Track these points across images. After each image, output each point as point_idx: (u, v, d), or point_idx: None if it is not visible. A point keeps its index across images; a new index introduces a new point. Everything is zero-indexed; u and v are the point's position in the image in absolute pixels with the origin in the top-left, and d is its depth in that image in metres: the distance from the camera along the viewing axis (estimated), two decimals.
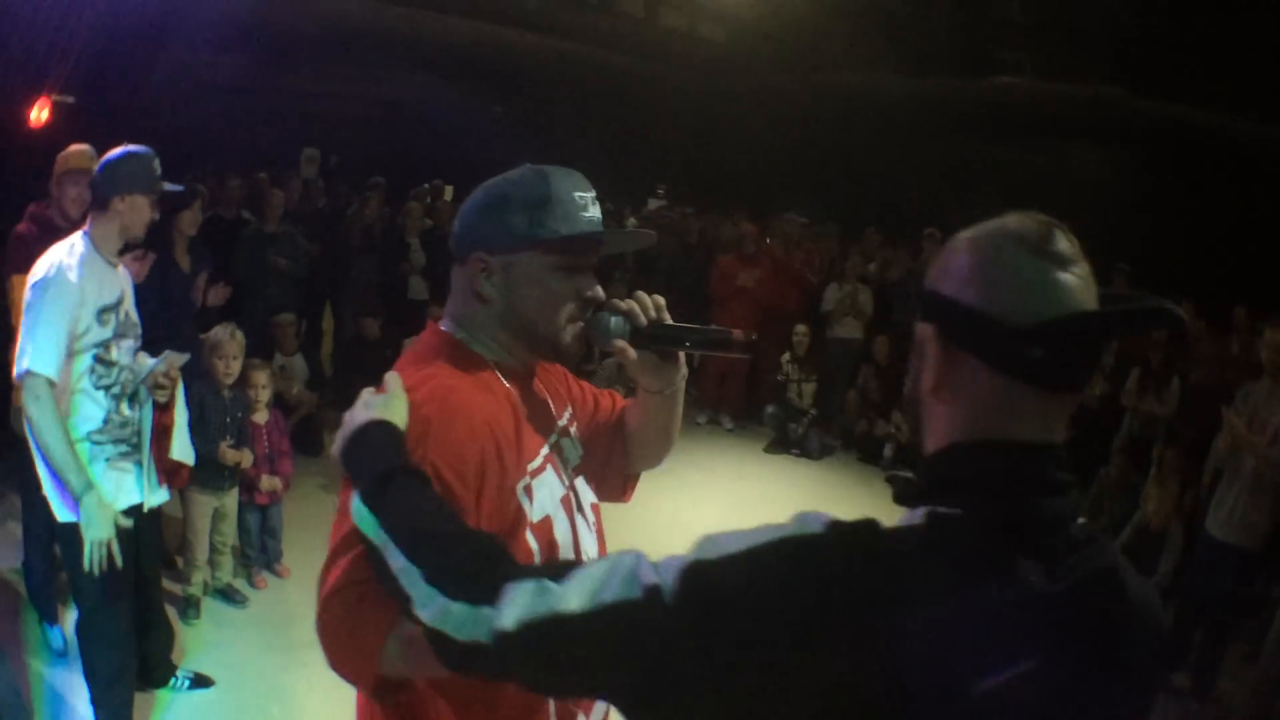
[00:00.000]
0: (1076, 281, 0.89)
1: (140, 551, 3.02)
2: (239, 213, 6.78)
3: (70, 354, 2.67)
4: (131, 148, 2.79)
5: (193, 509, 4.02)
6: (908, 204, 10.05)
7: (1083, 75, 11.65)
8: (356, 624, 1.18)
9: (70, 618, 3.63)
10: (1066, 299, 0.88)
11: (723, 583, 0.84)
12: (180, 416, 3.18)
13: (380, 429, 1.17)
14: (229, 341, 4.05)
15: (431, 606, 0.97)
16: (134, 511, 2.89)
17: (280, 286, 6.35)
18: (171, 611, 3.71)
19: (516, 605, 0.92)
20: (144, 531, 3.04)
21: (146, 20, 7.35)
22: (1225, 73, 10.30)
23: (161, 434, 3.08)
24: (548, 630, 0.90)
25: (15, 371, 2.61)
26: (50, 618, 3.66)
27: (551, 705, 1.37)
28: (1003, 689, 0.82)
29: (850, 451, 7.53)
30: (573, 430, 1.56)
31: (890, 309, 7.78)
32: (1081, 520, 0.93)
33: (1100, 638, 0.90)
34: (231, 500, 4.15)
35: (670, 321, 1.43)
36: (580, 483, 1.52)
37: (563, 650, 0.90)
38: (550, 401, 1.53)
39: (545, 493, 1.39)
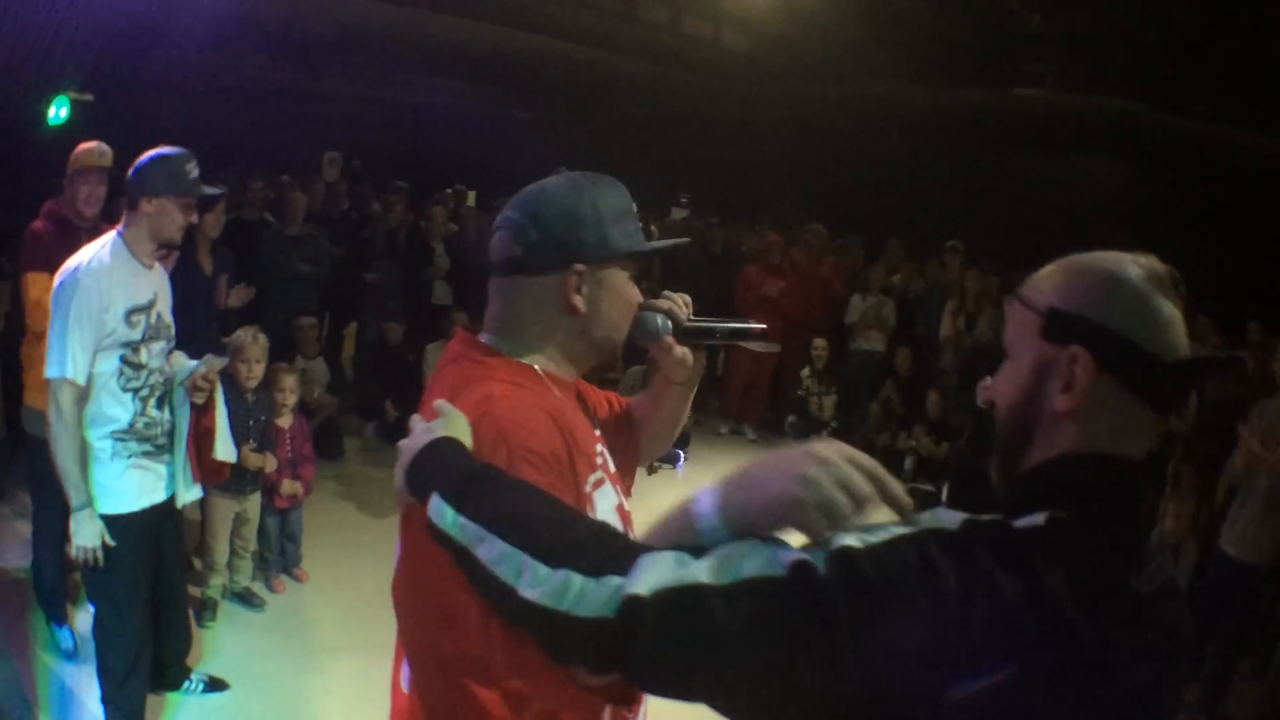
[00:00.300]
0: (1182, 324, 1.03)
1: (163, 550, 3.01)
2: (261, 215, 6.79)
3: (96, 353, 2.66)
4: (164, 150, 2.74)
5: (213, 512, 3.99)
6: (929, 215, 9.97)
7: (1105, 89, 11.59)
8: None
9: (80, 618, 3.62)
10: (1184, 339, 1.01)
11: (874, 571, 0.84)
12: (221, 417, 3.16)
13: (447, 443, 1.14)
14: (252, 345, 4.03)
15: (545, 585, 0.91)
16: (157, 510, 2.88)
17: (302, 289, 6.32)
18: (188, 614, 3.68)
19: (654, 572, 0.87)
20: (167, 531, 3.03)
21: (169, 21, 7.38)
22: (1247, 88, 10.21)
23: (203, 435, 3.08)
24: (684, 598, 0.85)
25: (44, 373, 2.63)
26: (59, 618, 3.64)
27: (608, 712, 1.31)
28: (1137, 685, 0.92)
29: None
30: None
31: (913, 321, 7.72)
32: None
33: (1175, 640, 1.01)
34: (254, 504, 4.12)
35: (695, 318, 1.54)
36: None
37: (702, 622, 0.84)
38: (592, 412, 1.53)
39: (605, 504, 1.37)
